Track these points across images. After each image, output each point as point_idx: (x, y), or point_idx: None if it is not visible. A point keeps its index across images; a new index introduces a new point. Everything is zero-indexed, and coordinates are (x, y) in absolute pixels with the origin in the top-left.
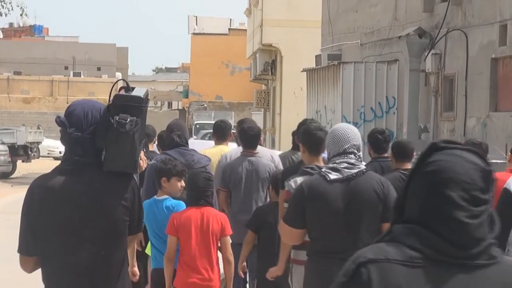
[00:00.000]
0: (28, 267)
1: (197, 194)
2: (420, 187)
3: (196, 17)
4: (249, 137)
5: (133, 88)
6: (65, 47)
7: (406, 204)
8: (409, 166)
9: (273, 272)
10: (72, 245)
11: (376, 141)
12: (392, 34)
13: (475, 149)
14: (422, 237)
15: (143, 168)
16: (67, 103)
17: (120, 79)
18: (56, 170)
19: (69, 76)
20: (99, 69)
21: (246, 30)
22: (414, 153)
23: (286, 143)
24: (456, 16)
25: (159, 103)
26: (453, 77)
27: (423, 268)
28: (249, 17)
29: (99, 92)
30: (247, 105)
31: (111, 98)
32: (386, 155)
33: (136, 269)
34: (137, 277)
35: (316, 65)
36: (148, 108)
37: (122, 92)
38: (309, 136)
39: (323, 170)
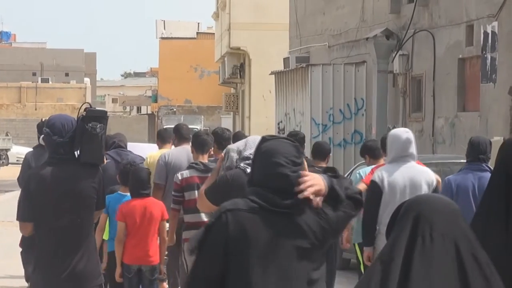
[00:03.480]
0: (26, 231)
1: (140, 187)
2: (259, 161)
3: (164, 21)
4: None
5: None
6: (33, 53)
7: (254, 175)
8: (324, 164)
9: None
10: (57, 214)
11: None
12: (359, 36)
13: (288, 138)
14: (260, 193)
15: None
16: (36, 109)
17: (86, 103)
18: (46, 163)
19: (37, 82)
20: (67, 74)
21: (214, 33)
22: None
23: None
24: (423, 17)
25: (128, 108)
26: (421, 78)
27: (260, 214)
28: (217, 20)
29: (68, 97)
30: (216, 109)
31: (84, 111)
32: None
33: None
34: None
35: (284, 68)
36: (117, 114)
37: (88, 108)
38: (195, 138)
39: (241, 165)
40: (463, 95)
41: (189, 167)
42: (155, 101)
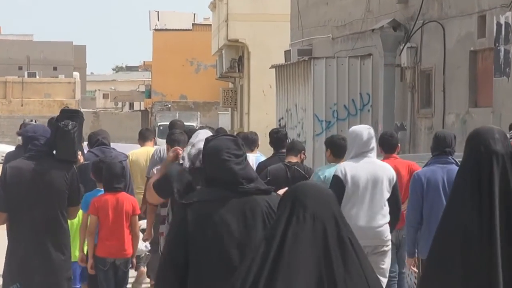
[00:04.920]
0: (1, 220)
1: (113, 181)
2: (207, 161)
3: (158, 12)
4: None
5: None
6: (19, 46)
7: (206, 173)
8: (296, 159)
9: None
10: (31, 204)
11: (273, 139)
12: (365, 27)
13: (229, 134)
14: (210, 188)
15: (80, 161)
16: (22, 105)
17: (65, 106)
18: (23, 157)
19: (24, 76)
20: (55, 69)
21: (211, 25)
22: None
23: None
24: (432, 7)
25: (119, 104)
26: (430, 72)
27: (216, 203)
28: (214, 11)
29: (56, 93)
30: (213, 105)
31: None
32: (283, 150)
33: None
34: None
35: (285, 61)
36: (108, 110)
37: (62, 108)
38: (169, 136)
39: (181, 161)
40: (475, 89)
41: None
42: (149, 96)
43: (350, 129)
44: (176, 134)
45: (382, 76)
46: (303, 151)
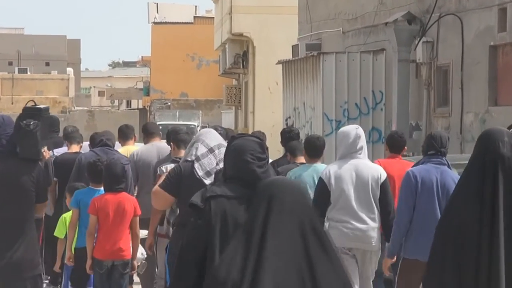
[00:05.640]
0: None
1: (114, 182)
2: (230, 158)
3: (157, 4)
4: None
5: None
6: (9, 40)
7: (226, 169)
8: (303, 159)
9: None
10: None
11: (286, 139)
12: (378, 21)
13: (255, 135)
14: (230, 185)
15: (46, 158)
16: (12, 103)
17: (30, 100)
18: None
19: (14, 72)
20: (47, 64)
21: (213, 18)
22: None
23: None
24: None
25: (116, 102)
26: (447, 68)
27: (237, 199)
28: (217, 3)
29: (48, 90)
30: (216, 103)
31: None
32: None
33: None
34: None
35: (293, 57)
36: (104, 108)
37: (24, 107)
38: (175, 135)
39: (188, 159)
40: (495, 87)
41: (173, 161)
42: (147, 94)
43: (339, 129)
44: (182, 134)
45: (396, 73)
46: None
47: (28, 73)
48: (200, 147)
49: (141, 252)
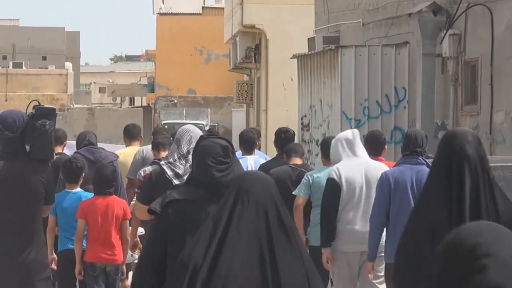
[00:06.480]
0: None
1: (104, 184)
2: (195, 159)
3: None
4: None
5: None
6: (3, 32)
7: (192, 171)
8: (299, 161)
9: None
10: (5, 206)
11: (281, 140)
12: (401, 11)
13: (222, 136)
14: (191, 187)
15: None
16: (6, 100)
17: (34, 100)
18: None
19: (8, 67)
20: (44, 58)
21: (223, 8)
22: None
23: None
24: None
25: (118, 100)
26: (476, 63)
27: (197, 202)
28: None
29: (45, 86)
30: (226, 100)
31: (33, 109)
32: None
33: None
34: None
35: (309, 50)
36: (105, 106)
37: (36, 106)
38: (153, 139)
39: (162, 162)
40: None
41: (152, 163)
42: (152, 90)
43: (335, 137)
44: (159, 139)
45: (420, 68)
46: (304, 155)
47: (24, 68)
48: (177, 149)
49: (131, 254)
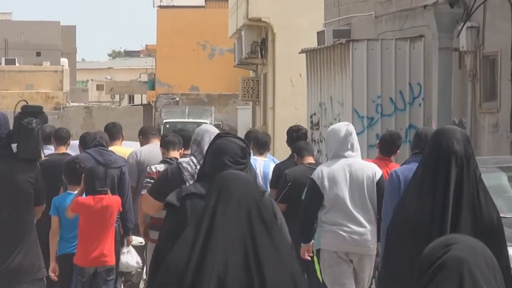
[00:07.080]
0: None
1: (95, 183)
2: (210, 157)
3: None
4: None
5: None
6: None
7: (205, 167)
8: (312, 160)
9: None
10: None
11: (293, 139)
12: (415, 3)
13: (237, 136)
14: (205, 184)
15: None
16: None
17: (22, 100)
18: None
19: (0, 64)
20: (38, 54)
21: (227, 1)
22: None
23: (283, 146)
24: None
25: (117, 97)
26: (495, 57)
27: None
28: None
29: (40, 84)
30: (231, 98)
31: (20, 109)
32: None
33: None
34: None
35: (318, 45)
36: (103, 104)
37: (23, 105)
38: (163, 138)
39: (179, 160)
40: None
41: (163, 161)
42: (152, 88)
43: (329, 128)
44: (169, 137)
45: (437, 63)
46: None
47: (17, 64)
48: (198, 150)
49: (136, 260)
